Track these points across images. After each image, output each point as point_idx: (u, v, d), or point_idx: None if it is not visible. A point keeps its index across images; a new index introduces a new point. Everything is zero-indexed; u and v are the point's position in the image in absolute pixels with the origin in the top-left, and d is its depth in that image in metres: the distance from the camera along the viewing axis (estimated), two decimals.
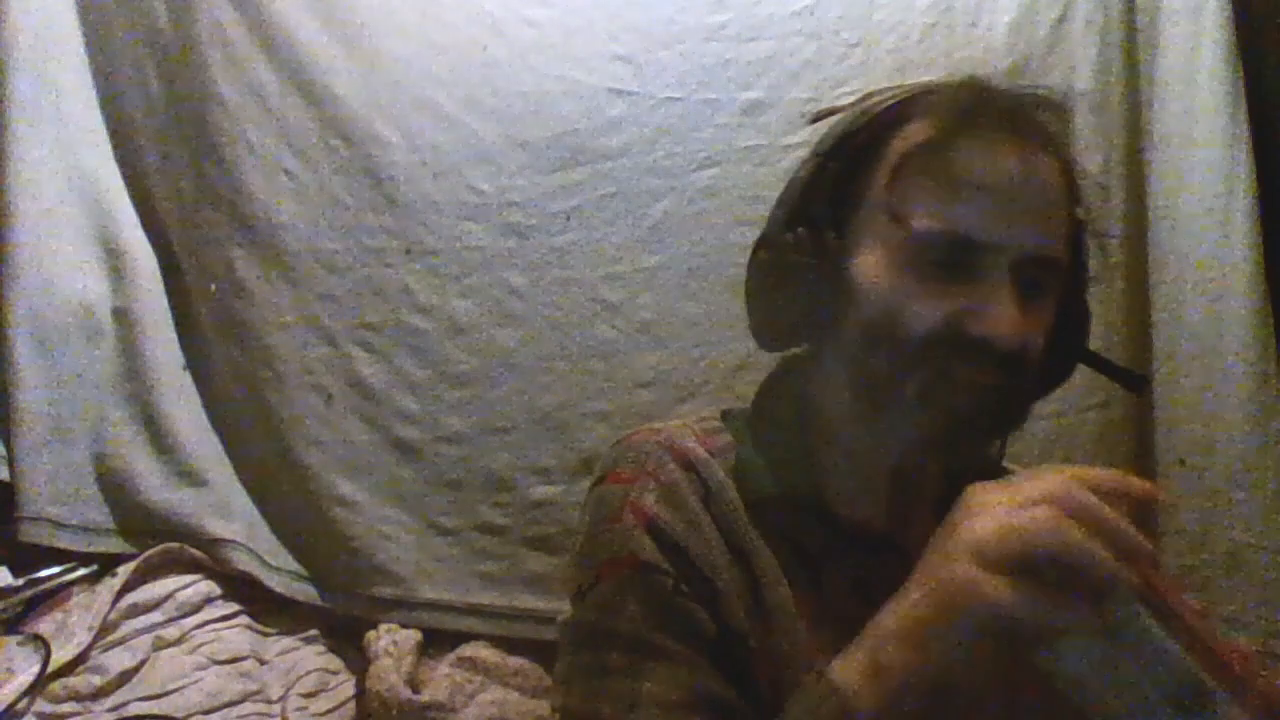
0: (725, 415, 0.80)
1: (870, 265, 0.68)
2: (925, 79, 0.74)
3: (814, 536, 0.72)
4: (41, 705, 1.12)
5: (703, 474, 0.72)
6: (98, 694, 1.14)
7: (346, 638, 1.28)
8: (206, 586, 1.25)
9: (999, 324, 0.63)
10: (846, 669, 0.56)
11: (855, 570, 0.71)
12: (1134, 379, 0.77)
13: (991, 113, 0.65)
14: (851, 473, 0.74)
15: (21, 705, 1.10)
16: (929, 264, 0.65)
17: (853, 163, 0.70)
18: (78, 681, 1.14)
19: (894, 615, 0.56)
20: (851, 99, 0.73)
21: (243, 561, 1.25)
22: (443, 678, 1.21)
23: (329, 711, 1.21)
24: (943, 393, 0.65)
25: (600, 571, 0.68)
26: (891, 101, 0.70)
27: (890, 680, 0.54)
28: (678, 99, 1.35)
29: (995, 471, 0.79)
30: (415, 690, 1.18)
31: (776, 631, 0.68)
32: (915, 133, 0.67)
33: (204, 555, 1.25)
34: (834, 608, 0.70)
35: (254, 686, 1.19)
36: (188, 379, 1.33)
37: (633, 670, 0.65)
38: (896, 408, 0.67)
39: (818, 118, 0.75)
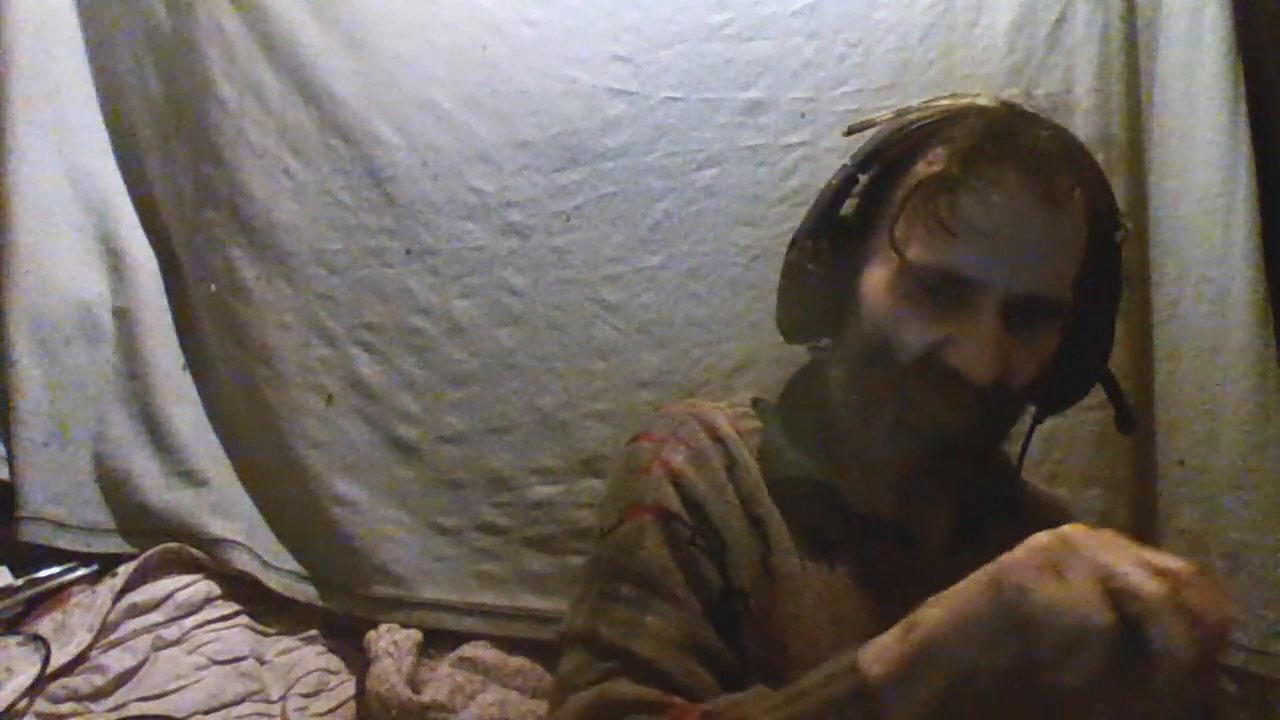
0: (755, 403, 0.84)
1: (873, 284, 0.71)
2: (937, 93, 0.76)
3: (828, 521, 0.75)
4: (41, 705, 1.12)
5: (730, 447, 0.76)
6: (98, 694, 1.14)
7: (346, 638, 1.28)
8: (206, 586, 1.25)
9: (975, 359, 0.66)
10: (876, 656, 0.56)
11: (866, 556, 0.74)
12: (1128, 420, 0.79)
13: (1009, 151, 0.66)
14: (863, 468, 0.76)
15: (21, 705, 1.10)
16: (922, 292, 0.68)
17: (878, 178, 0.73)
18: (78, 681, 1.14)
19: (942, 610, 0.55)
20: (888, 112, 0.75)
21: (243, 561, 1.25)
22: (443, 678, 1.21)
23: (329, 711, 1.21)
24: (916, 422, 0.69)
25: (624, 514, 0.74)
26: (924, 120, 0.72)
27: (922, 676, 0.54)
28: (678, 99, 1.35)
29: (1006, 470, 0.83)
30: (415, 690, 1.18)
31: (784, 597, 0.71)
32: (935, 159, 0.69)
33: (204, 555, 1.25)
34: (842, 588, 0.73)
35: (254, 686, 1.19)
36: (188, 379, 1.33)
37: (638, 602, 0.69)
38: (878, 428, 0.71)
39: (854, 130, 0.77)
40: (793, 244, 0.78)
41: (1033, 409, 0.79)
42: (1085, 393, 0.78)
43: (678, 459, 0.75)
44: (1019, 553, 0.53)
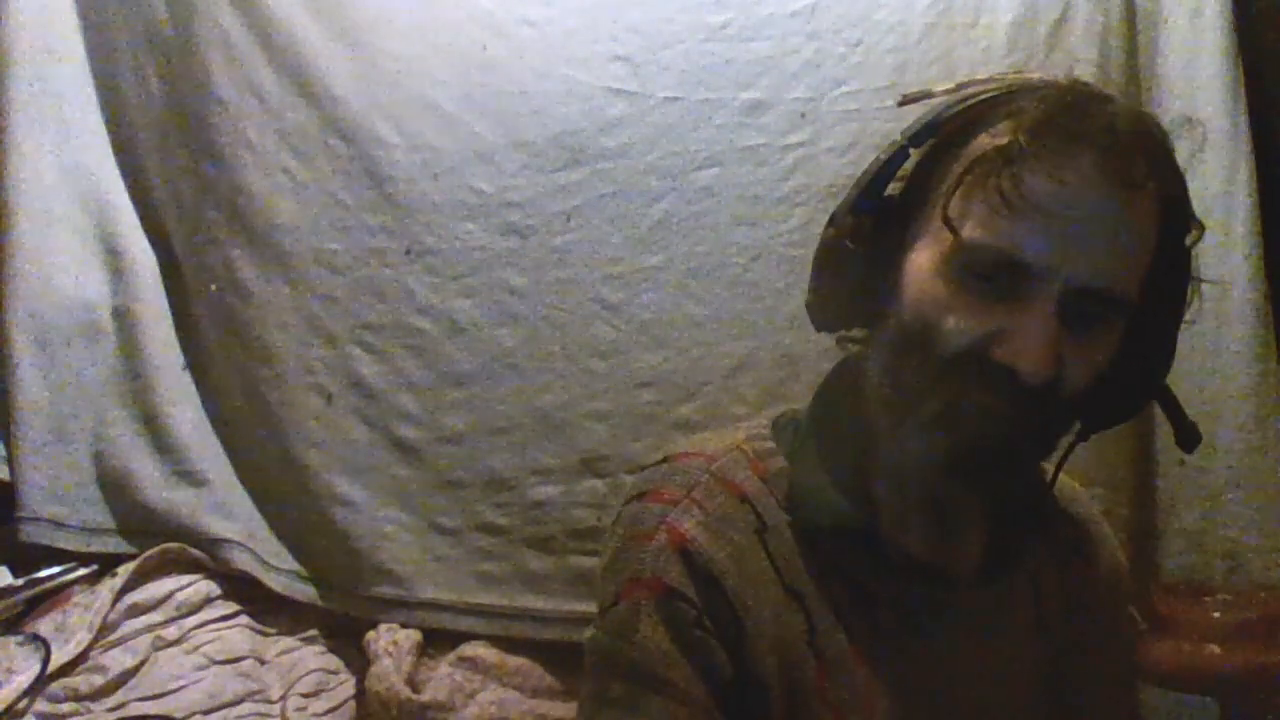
0: (776, 427, 0.75)
1: (919, 267, 0.64)
2: (1015, 72, 0.68)
3: (867, 569, 0.68)
4: (41, 705, 1.12)
5: (758, 508, 0.68)
6: (98, 694, 1.14)
7: (346, 638, 1.28)
8: (206, 586, 1.25)
9: (1026, 355, 0.58)
10: None
11: (908, 603, 0.68)
12: (1190, 435, 0.72)
13: (1083, 127, 0.60)
14: (894, 494, 0.70)
15: (21, 705, 1.10)
16: (974, 278, 0.61)
17: (933, 153, 0.66)
18: (78, 681, 1.14)
19: None
20: (945, 86, 0.68)
21: (243, 561, 1.25)
22: (443, 678, 1.21)
23: (329, 711, 1.21)
24: (958, 417, 0.61)
25: (621, 591, 0.66)
26: (987, 94, 0.65)
27: None
28: (678, 99, 1.34)
29: (1040, 493, 0.75)
30: (415, 690, 1.18)
31: (835, 679, 0.65)
32: (998, 134, 0.62)
33: (204, 555, 1.25)
34: (890, 645, 0.67)
35: (254, 686, 1.19)
36: (188, 379, 1.33)
37: (629, 704, 0.63)
38: (913, 425, 0.63)
39: (908, 100, 0.69)
40: (831, 221, 0.69)
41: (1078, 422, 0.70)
42: (1139, 409, 0.71)
43: (688, 524, 0.66)
44: None
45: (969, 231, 0.61)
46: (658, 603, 0.64)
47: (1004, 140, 0.61)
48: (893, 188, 0.68)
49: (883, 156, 0.67)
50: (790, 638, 0.65)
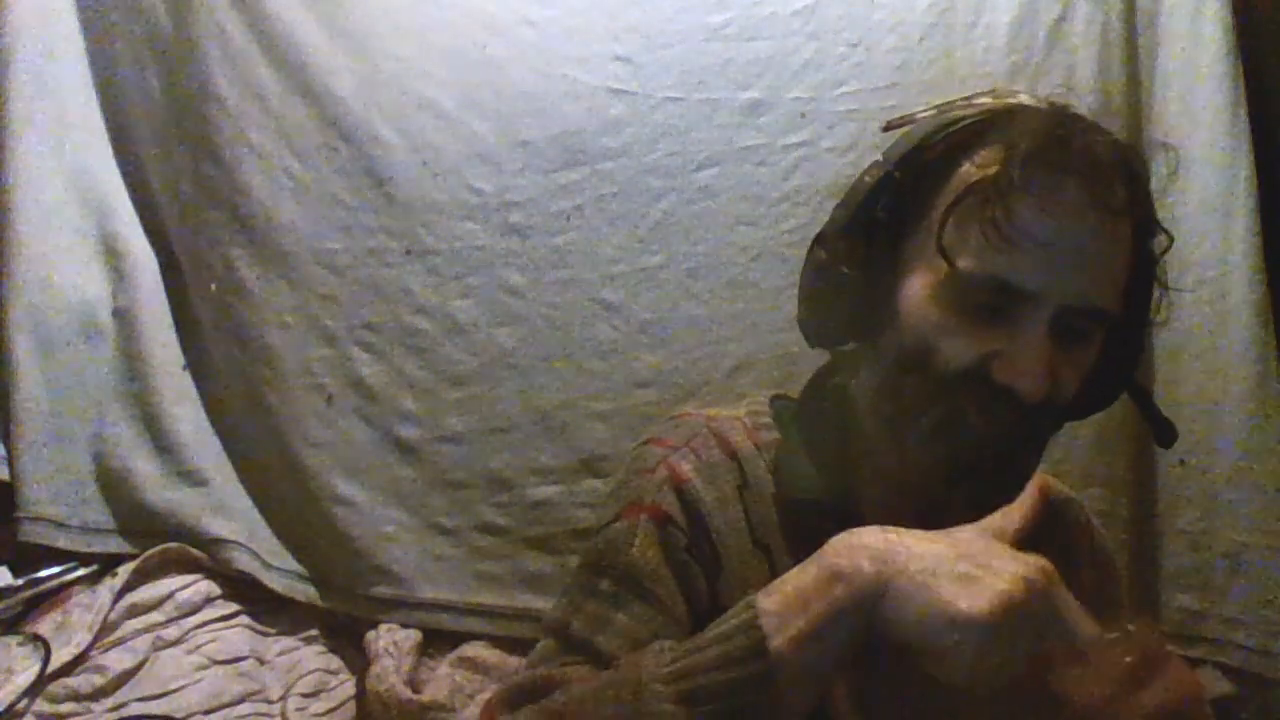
0: (775, 403, 0.81)
1: (915, 292, 0.67)
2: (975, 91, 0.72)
3: None
4: (41, 705, 1.12)
5: (744, 466, 0.74)
6: (98, 694, 1.14)
7: (346, 638, 1.28)
8: (206, 586, 1.25)
9: (1025, 375, 0.63)
10: (778, 625, 0.56)
11: None
12: (1166, 431, 0.76)
13: (1068, 158, 0.64)
14: (879, 487, 0.74)
15: (21, 705, 1.10)
16: (970, 304, 0.65)
17: (919, 179, 0.69)
18: (78, 681, 1.14)
19: (846, 588, 0.56)
20: (926, 109, 0.72)
21: (243, 561, 1.25)
22: (443, 678, 1.21)
23: (329, 711, 1.21)
24: (956, 433, 0.65)
25: (621, 511, 0.72)
26: (970, 120, 0.68)
27: (821, 651, 0.55)
28: (678, 99, 1.35)
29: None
30: (415, 690, 1.18)
31: None
32: (984, 161, 0.66)
33: (204, 555, 1.25)
34: None
35: (254, 686, 1.19)
36: (188, 379, 1.33)
37: (614, 599, 0.68)
38: (912, 438, 0.67)
39: (892, 126, 0.73)
40: (819, 241, 0.73)
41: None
42: (1110, 401, 0.75)
43: (686, 467, 0.73)
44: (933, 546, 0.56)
45: (965, 262, 0.64)
46: (653, 524, 0.70)
47: (992, 170, 0.65)
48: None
49: (869, 180, 0.70)
50: (755, 585, 0.67)
